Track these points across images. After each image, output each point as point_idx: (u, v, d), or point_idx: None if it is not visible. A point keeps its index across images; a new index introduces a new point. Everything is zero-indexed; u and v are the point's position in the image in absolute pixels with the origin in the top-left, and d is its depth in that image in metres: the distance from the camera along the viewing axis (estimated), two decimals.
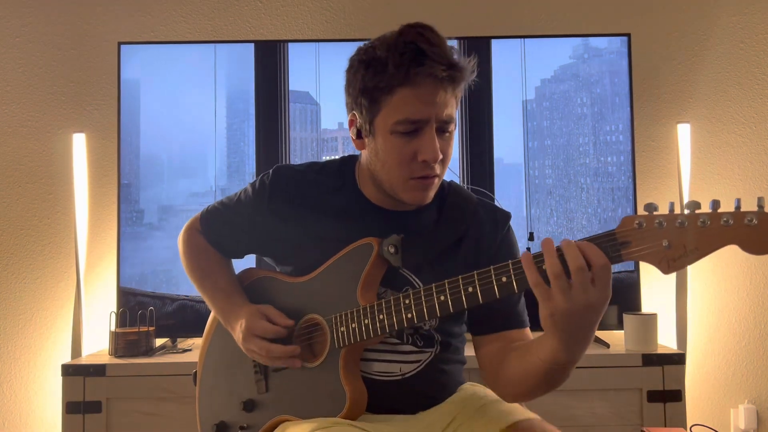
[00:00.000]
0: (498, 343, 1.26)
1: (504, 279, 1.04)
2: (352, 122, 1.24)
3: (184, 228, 1.47)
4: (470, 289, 1.07)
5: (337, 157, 1.40)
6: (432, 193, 1.24)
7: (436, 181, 1.23)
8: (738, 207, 0.90)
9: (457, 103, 1.21)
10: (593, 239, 0.98)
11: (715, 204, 0.92)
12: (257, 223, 1.34)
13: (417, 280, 1.26)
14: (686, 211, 0.93)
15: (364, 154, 1.28)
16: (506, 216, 1.34)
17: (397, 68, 1.12)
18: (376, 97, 1.16)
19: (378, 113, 1.18)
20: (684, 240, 0.92)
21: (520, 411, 1.25)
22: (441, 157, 1.18)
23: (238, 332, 1.28)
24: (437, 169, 1.20)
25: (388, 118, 1.17)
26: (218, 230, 1.42)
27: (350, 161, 1.35)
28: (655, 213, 0.95)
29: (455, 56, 1.15)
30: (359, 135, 1.24)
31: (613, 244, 0.96)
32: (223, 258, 1.44)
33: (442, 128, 1.18)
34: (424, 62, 1.12)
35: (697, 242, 0.92)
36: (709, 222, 0.91)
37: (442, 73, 1.13)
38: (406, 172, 1.19)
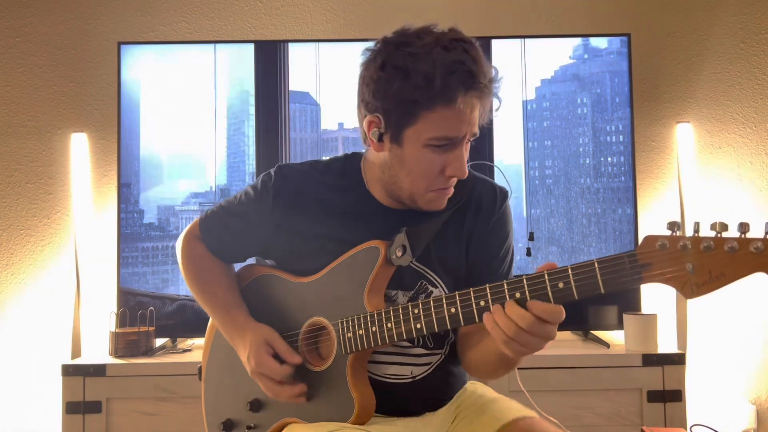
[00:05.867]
0: (471, 329, 1.25)
1: (518, 295, 1.01)
2: (372, 123, 1.19)
3: (182, 235, 1.42)
4: (482, 303, 1.05)
5: (339, 155, 1.38)
6: (446, 200, 1.24)
7: (452, 190, 1.23)
8: None
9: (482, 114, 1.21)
10: (613, 259, 0.94)
11: (743, 227, 0.86)
12: (260, 226, 1.31)
13: (430, 273, 1.25)
14: (712, 233, 0.88)
15: (376, 155, 1.24)
16: (505, 193, 1.33)
17: (445, 88, 1.09)
18: (412, 109, 1.13)
19: (411, 125, 1.14)
20: (710, 265, 0.87)
21: (519, 409, 1.26)
22: (467, 174, 1.19)
23: (244, 360, 1.26)
24: (456, 179, 1.21)
25: (423, 133, 1.14)
26: (218, 236, 1.38)
27: (354, 159, 1.33)
28: (678, 234, 0.90)
29: (492, 70, 1.14)
30: (380, 138, 1.19)
31: (633, 265, 0.93)
32: (224, 266, 1.39)
33: (468, 139, 1.19)
34: (474, 86, 1.10)
35: (723, 268, 0.87)
36: (738, 248, 0.86)
37: (486, 94, 1.13)
38: (430, 184, 1.19)
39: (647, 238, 0.92)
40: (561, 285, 0.98)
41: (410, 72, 1.11)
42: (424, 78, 1.10)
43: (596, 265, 0.95)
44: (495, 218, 1.30)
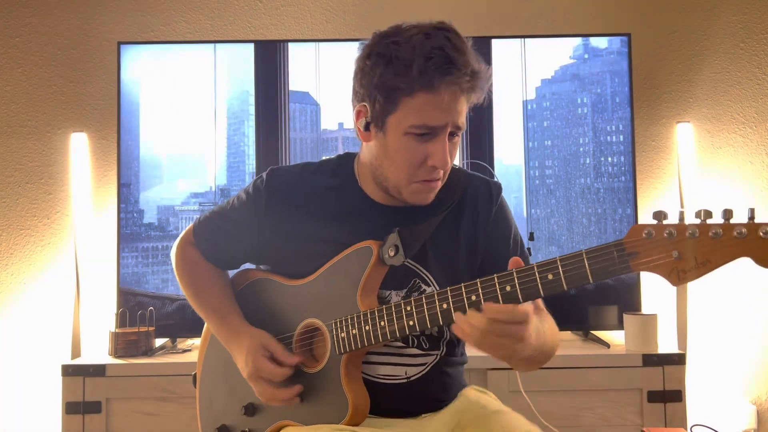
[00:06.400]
0: None
1: (508, 288, 1.02)
2: (360, 113, 1.21)
3: (177, 241, 1.42)
4: (473, 298, 1.06)
5: (332, 156, 1.39)
6: (433, 195, 1.23)
7: (439, 184, 1.22)
8: (751, 217, 0.87)
9: (469, 109, 1.21)
10: (601, 249, 0.96)
11: (727, 213, 0.88)
12: (254, 231, 1.31)
13: (423, 271, 1.25)
14: (697, 221, 0.90)
15: (366, 149, 1.26)
16: (498, 187, 1.34)
17: (422, 73, 1.10)
18: (393, 96, 1.14)
19: (393, 112, 1.16)
20: (695, 252, 0.89)
21: (523, 424, 1.23)
22: (450, 165, 1.19)
23: (241, 365, 1.25)
24: (441, 172, 1.20)
25: (404, 120, 1.15)
26: (212, 242, 1.38)
27: (347, 159, 1.33)
28: (664, 222, 0.92)
29: (480, 64, 1.14)
30: (367, 127, 1.21)
31: (621, 254, 0.94)
32: (218, 271, 1.40)
33: (453, 133, 1.18)
34: (451, 71, 1.10)
35: (708, 254, 0.89)
36: (722, 233, 0.88)
37: (466, 84, 1.12)
38: (412, 175, 1.19)
39: (634, 228, 0.94)
40: (550, 276, 0.99)
41: (392, 59, 1.13)
42: (403, 64, 1.11)
43: (584, 255, 0.97)
44: (494, 212, 1.31)
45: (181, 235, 1.43)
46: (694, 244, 0.90)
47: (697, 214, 0.90)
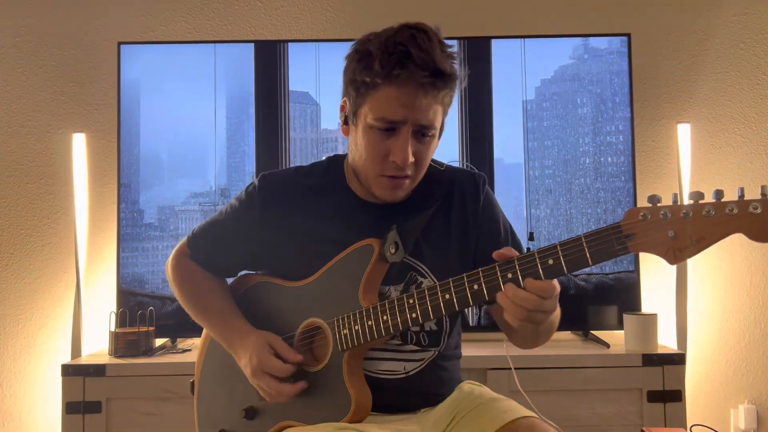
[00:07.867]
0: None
1: (510, 275, 1.05)
2: (342, 108, 1.26)
3: (171, 255, 1.43)
4: (475, 287, 1.08)
5: (323, 158, 1.40)
6: (402, 193, 1.25)
7: (407, 183, 1.24)
8: (742, 195, 0.91)
9: (445, 111, 1.22)
10: (599, 232, 0.99)
11: (719, 193, 0.92)
12: (250, 237, 1.33)
13: (419, 264, 1.26)
14: (690, 202, 0.94)
15: (349, 145, 1.29)
16: (483, 178, 1.36)
17: (382, 67, 1.14)
18: (361, 89, 1.18)
19: (361, 106, 1.19)
20: (689, 230, 0.93)
21: (519, 410, 1.25)
22: (412, 160, 1.20)
23: (244, 363, 1.25)
24: (409, 170, 1.21)
25: (368, 113, 1.18)
26: (209, 252, 1.39)
27: (337, 160, 1.36)
28: (659, 204, 0.96)
29: (445, 63, 1.14)
30: (346, 121, 1.26)
31: (618, 236, 0.97)
32: (216, 279, 1.40)
33: (421, 132, 1.19)
34: (407, 65, 1.13)
35: (702, 232, 0.92)
36: (714, 211, 0.92)
37: (423, 78, 1.13)
38: (378, 168, 1.21)
39: (630, 211, 0.98)
40: (551, 261, 1.02)
41: (363, 54, 1.17)
42: (369, 58, 1.15)
43: (583, 239, 1.00)
44: (481, 201, 1.33)
45: (175, 249, 1.43)
46: (687, 223, 0.93)
47: (691, 196, 0.94)
